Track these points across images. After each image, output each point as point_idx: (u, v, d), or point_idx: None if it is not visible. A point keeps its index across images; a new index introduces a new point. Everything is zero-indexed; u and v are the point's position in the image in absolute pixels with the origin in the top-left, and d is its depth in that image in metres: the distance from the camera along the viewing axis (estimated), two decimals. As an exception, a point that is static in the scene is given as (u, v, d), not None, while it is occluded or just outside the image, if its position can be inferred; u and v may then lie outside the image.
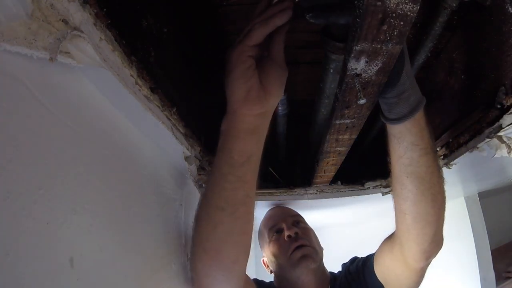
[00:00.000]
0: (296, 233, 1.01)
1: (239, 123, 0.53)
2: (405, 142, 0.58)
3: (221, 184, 0.55)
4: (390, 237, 0.82)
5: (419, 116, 0.55)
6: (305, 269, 0.95)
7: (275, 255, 1.03)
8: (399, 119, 0.54)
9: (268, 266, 1.13)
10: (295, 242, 0.99)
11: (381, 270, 0.88)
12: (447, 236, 0.75)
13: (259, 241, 1.19)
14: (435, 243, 0.71)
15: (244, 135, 0.53)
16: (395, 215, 0.71)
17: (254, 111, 0.52)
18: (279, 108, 0.97)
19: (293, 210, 1.18)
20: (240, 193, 0.55)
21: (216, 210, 0.56)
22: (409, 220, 0.67)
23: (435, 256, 0.74)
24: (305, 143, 1.10)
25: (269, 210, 1.23)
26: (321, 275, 1.01)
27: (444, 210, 0.67)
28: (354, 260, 1.06)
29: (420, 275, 0.79)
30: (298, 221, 1.10)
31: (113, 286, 0.48)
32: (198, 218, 0.61)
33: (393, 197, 0.70)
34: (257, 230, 1.22)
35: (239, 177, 0.54)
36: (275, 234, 1.06)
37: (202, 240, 0.60)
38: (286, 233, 1.01)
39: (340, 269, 1.08)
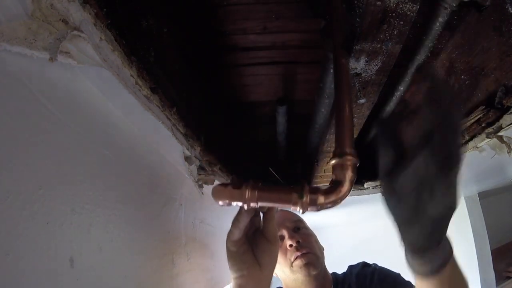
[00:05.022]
0: (298, 241, 1.02)
1: None
2: None
3: None
4: None
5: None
6: (307, 277, 0.97)
7: (278, 262, 1.05)
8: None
9: None
10: (297, 251, 1.00)
11: None
12: (447, 236, 0.74)
13: None
14: None
15: None
16: None
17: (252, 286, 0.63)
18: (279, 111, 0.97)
19: (295, 215, 1.17)
20: None
21: None
22: None
23: None
24: (305, 143, 1.10)
25: None
26: (323, 278, 1.02)
27: None
28: (365, 265, 1.05)
29: None
30: (299, 227, 1.10)
31: (113, 286, 0.48)
32: None
33: None
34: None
35: None
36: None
37: None
38: (288, 242, 1.03)
39: (345, 270, 1.09)
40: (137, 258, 0.56)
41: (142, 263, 0.57)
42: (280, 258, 1.03)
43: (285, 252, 1.03)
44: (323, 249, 1.10)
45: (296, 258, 0.98)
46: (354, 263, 1.15)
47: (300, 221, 1.14)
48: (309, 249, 1.01)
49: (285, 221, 1.10)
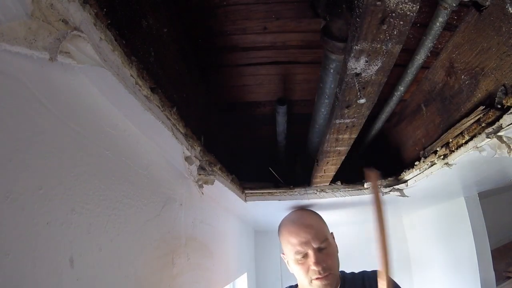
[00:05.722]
0: (323, 267, 1.06)
1: None
2: None
3: None
4: None
5: None
6: None
7: (297, 274, 1.11)
8: None
9: (288, 263, 1.17)
10: (319, 274, 1.05)
11: None
12: (447, 236, 0.73)
13: (279, 238, 1.19)
14: None
15: None
16: None
17: None
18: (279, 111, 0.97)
19: (321, 232, 1.14)
20: None
21: None
22: None
23: None
24: (305, 143, 1.10)
25: (294, 218, 1.17)
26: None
27: None
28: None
29: None
30: (324, 248, 1.10)
31: (113, 286, 0.48)
32: None
33: None
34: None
35: None
36: (301, 258, 1.10)
37: None
38: (313, 266, 1.06)
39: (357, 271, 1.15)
40: (137, 258, 0.56)
41: (142, 263, 0.57)
42: (300, 270, 1.09)
43: (307, 269, 1.07)
44: (338, 251, 1.16)
45: (317, 279, 1.05)
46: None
47: (326, 239, 1.13)
48: (330, 271, 1.07)
49: (311, 241, 1.10)
